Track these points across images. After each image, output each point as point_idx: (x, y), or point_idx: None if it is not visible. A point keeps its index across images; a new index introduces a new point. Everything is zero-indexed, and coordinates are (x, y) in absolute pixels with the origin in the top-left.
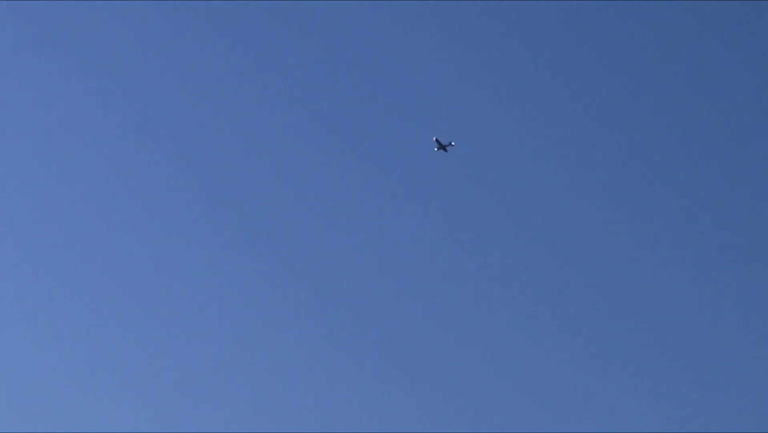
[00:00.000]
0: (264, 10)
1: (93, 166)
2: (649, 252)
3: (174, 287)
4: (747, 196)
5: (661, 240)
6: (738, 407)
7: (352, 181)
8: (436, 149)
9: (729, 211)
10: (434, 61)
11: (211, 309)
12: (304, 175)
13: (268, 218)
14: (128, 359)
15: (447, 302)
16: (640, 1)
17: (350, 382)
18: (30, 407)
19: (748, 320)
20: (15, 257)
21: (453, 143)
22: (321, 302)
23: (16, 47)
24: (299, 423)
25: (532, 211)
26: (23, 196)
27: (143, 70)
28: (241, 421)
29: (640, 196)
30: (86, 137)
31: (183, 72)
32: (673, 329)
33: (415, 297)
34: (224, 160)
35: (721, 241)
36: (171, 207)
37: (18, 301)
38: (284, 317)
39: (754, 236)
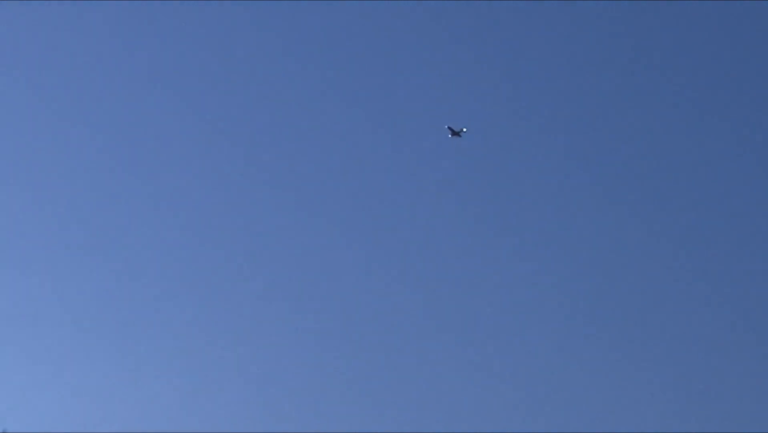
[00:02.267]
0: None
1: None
2: (656, 247)
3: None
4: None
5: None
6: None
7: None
8: (450, 136)
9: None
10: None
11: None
12: (320, 166)
13: (272, 216)
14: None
15: (450, 300)
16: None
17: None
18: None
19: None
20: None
21: (465, 129)
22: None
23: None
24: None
25: (536, 204)
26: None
27: (144, 69)
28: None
29: (646, 191)
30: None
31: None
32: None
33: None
34: (227, 158)
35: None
36: (173, 206)
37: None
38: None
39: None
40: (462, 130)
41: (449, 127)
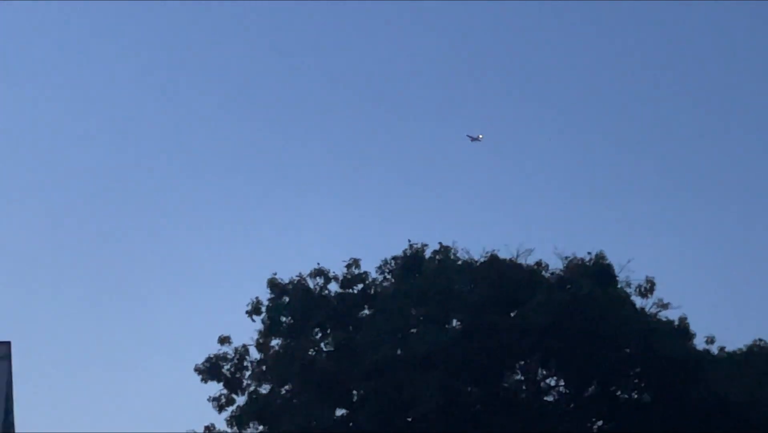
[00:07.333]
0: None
1: None
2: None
3: None
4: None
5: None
6: None
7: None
8: (471, 141)
9: None
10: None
11: None
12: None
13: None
14: None
15: None
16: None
17: None
18: None
19: None
20: None
21: (481, 136)
22: None
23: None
24: None
25: None
26: None
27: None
28: None
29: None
30: None
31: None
32: None
33: None
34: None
35: None
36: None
37: None
38: None
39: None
40: (479, 136)
41: (468, 135)
